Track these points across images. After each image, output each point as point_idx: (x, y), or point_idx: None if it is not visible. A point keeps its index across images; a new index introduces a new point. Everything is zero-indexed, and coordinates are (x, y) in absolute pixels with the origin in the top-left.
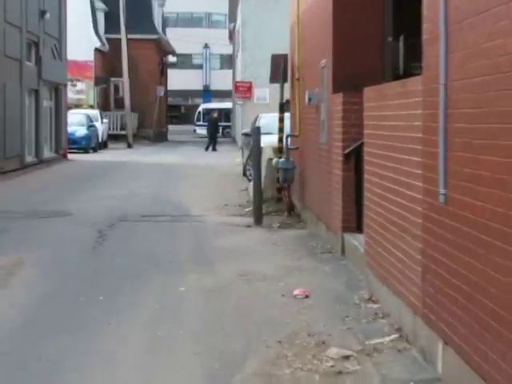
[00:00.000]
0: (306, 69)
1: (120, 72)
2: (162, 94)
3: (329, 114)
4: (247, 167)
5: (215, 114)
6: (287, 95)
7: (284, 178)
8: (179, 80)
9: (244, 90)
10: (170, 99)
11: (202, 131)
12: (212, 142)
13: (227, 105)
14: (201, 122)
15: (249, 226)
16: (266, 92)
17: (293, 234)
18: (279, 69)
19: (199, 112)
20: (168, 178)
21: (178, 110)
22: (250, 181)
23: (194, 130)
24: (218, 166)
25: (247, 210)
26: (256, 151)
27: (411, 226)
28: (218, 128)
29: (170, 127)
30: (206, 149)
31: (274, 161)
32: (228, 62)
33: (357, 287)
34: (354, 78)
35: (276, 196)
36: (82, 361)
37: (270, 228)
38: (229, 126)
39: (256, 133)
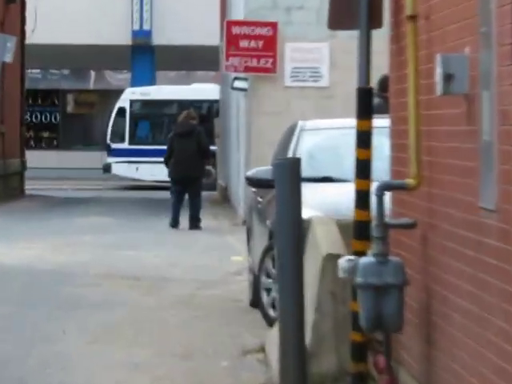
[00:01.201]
0: None
1: None
2: (8, 58)
3: (504, 121)
4: (264, 280)
5: (194, 120)
6: (383, 66)
7: (374, 317)
8: (62, 18)
9: (254, 46)
10: (32, 74)
11: (129, 169)
12: (192, 199)
13: (203, 92)
14: (125, 145)
15: None
16: (319, 54)
17: None
18: None
19: (120, 110)
20: (16, 319)
21: (57, 108)
22: (270, 323)
23: (106, 168)
24: (180, 274)
25: None
26: (289, 234)
27: None
28: (207, 154)
29: (32, 155)
30: (174, 223)
31: (343, 264)
32: None
33: None
34: None
35: (352, 370)
36: None
37: None
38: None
39: (291, 178)
